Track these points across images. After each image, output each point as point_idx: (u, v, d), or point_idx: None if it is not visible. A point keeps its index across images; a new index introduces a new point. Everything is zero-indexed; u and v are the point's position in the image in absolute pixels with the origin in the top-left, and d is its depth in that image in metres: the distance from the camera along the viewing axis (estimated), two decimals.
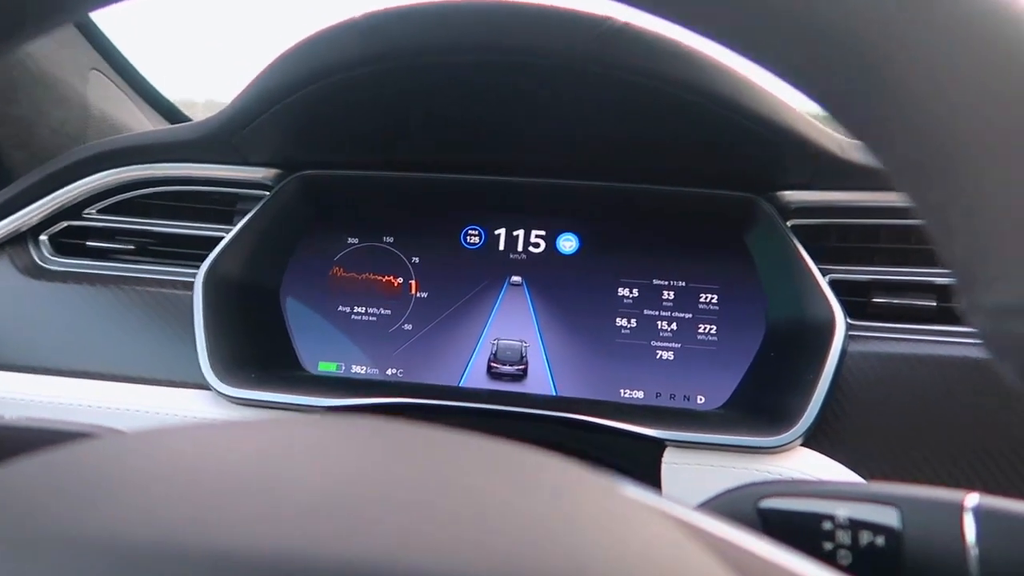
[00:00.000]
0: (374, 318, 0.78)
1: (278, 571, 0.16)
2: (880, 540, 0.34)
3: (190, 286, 0.72)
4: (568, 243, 0.77)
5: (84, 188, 0.76)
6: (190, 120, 1.07)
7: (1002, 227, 0.20)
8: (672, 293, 0.74)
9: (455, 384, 0.75)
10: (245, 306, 0.75)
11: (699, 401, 0.72)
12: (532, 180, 0.74)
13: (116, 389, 0.70)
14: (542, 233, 0.77)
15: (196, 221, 0.77)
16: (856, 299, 0.66)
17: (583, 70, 0.57)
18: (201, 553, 0.16)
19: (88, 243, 0.77)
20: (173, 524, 0.17)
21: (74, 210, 0.78)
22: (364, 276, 0.79)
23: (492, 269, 0.77)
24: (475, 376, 0.75)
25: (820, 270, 0.66)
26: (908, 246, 0.67)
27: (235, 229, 0.74)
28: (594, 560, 0.18)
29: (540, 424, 0.65)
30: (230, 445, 0.23)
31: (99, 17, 0.91)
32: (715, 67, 0.58)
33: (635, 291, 0.75)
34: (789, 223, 0.69)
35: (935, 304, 0.65)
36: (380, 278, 0.78)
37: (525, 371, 0.74)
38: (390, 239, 0.79)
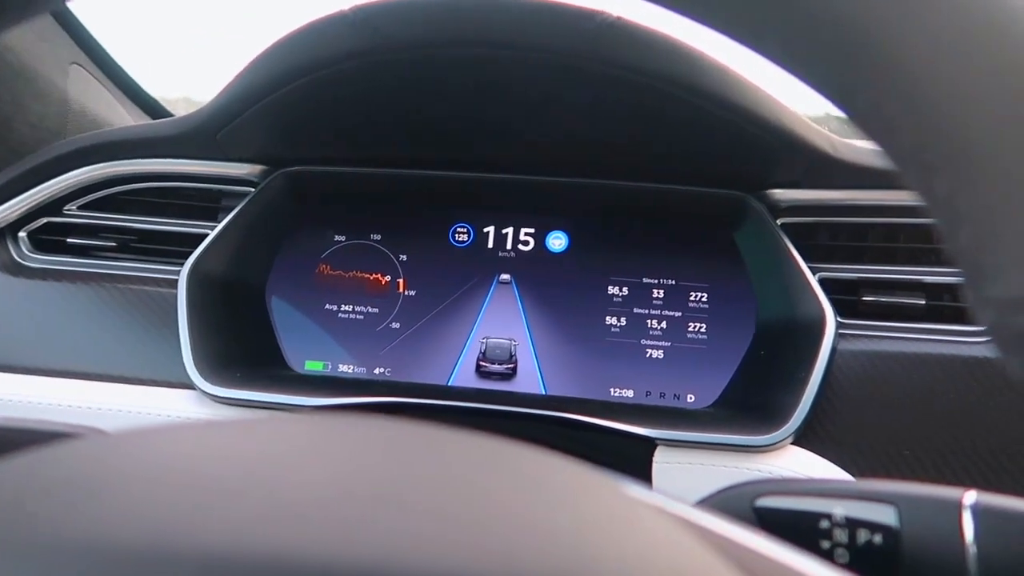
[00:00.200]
0: (361, 316, 0.77)
1: (268, 573, 0.15)
2: (878, 538, 0.34)
3: (174, 284, 0.71)
4: (557, 241, 0.76)
5: (64, 184, 0.75)
6: (172, 115, 1.06)
7: (1010, 218, 0.20)
8: (662, 292, 0.74)
9: (444, 383, 0.74)
10: (230, 304, 0.74)
11: (689, 400, 0.71)
12: (521, 177, 0.73)
13: (98, 389, 0.69)
14: (531, 231, 0.77)
15: (179, 218, 0.76)
16: (846, 297, 0.66)
17: (574, 66, 0.57)
18: (188, 555, 0.16)
19: (69, 240, 0.76)
20: (158, 526, 0.17)
21: (54, 206, 0.76)
22: (351, 274, 0.78)
23: (481, 267, 0.76)
24: (464, 375, 0.74)
25: (810, 268, 0.66)
26: (897, 245, 0.67)
27: (219, 226, 0.73)
28: (595, 559, 0.18)
29: (530, 423, 0.65)
30: (217, 445, 0.22)
31: (79, 10, 0.89)
32: (707, 64, 0.58)
33: (625, 289, 0.74)
34: (779, 221, 0.68)
35: (924, 302, 0.65)
36: (367, 276, 0.78)
37: (514, 370, 0.73)
38: (377, 237, 0.78)
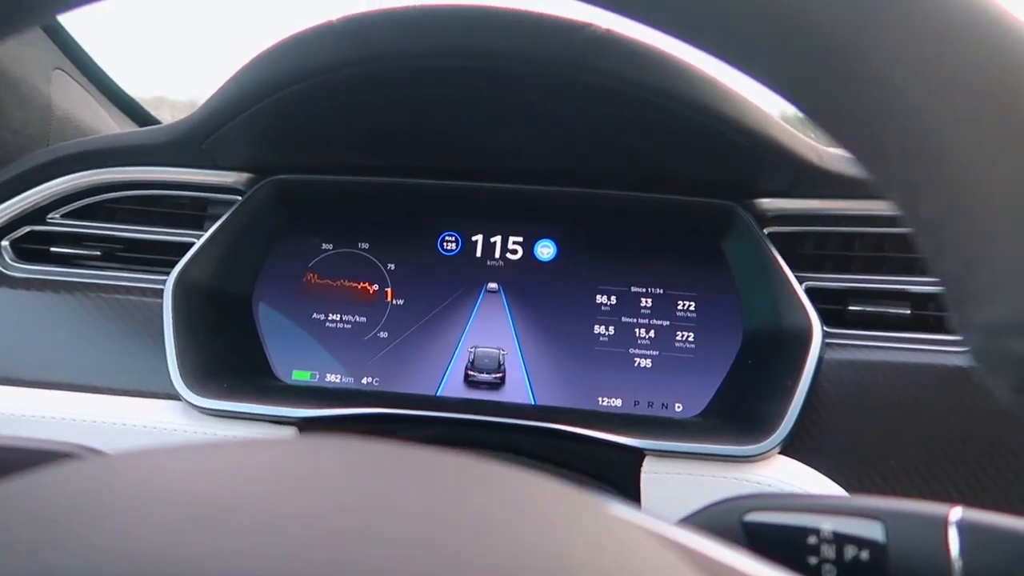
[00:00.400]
0: (349, 326, 0.76)
1: None
2: (865, 554, 0.34)
3: (159, 293, 0.70)
4: (546, 250, 0.76)
5: (48, 192, 0.74)
6: (158, 122, 1.05)
7: (995, 243, 0.20)
8: (650, 300, 0.74)
9: (432, 393, 0.74)
10: (216, 314, 0.73)
11: (677, 409, 0.71)
12: (510, 186, 0.73)
13: (83, 400, 0.68)
14: (519, 240, 0.77)
15: (166, 226, 0.75)
16: (833, 307, 0.67)
17: (563, 76, 0.57)
18: None
19: (52, 249, 0.75)
20: (146, 553, 0.17)
21: (37, 214, 0.75)
22: (339, 283, 0.77)
23: (469, 276, 0.76)
24: (452, 384, 0.74)
25: (797, 278, 0.66)
26: (884, 254, 0.68)
27: (206, 235, 0.72)
28: None
29: (519, 434, 0.65)
30: (204, 469, 0.22)
31: (63, 16, 0.88)
32: (695, 75, 0.58)
33: (613, 298, 0.74)
34: (766, 231, 0.69)
35: (910, 312, 0.66)
36: (355, 285, 0.77)
37: (503, 379, 0.73)
38: (365, 245, 0.78)
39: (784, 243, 0.68)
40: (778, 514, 0.37)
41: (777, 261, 0.67)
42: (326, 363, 0.76)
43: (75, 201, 0.75)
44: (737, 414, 0.67)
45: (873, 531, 0.35)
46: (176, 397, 0.66)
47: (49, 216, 0.76)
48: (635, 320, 0.74)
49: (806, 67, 0.22)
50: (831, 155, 0.66)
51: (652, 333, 0.73)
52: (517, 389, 0.73)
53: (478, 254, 0.77)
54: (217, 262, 0.73)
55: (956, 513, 0.33)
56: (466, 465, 0.23)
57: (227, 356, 0.72)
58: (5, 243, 0.75)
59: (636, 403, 0.72)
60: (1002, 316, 0.20)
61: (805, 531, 0.36)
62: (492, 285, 0.76)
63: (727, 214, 0.70)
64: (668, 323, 0.73)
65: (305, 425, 0.65)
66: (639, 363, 0.73)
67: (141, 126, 1.04)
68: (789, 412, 0.61)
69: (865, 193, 0.65)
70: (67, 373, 0.69)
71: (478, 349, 0.74)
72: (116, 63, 1.00)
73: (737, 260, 0.72)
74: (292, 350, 0.76)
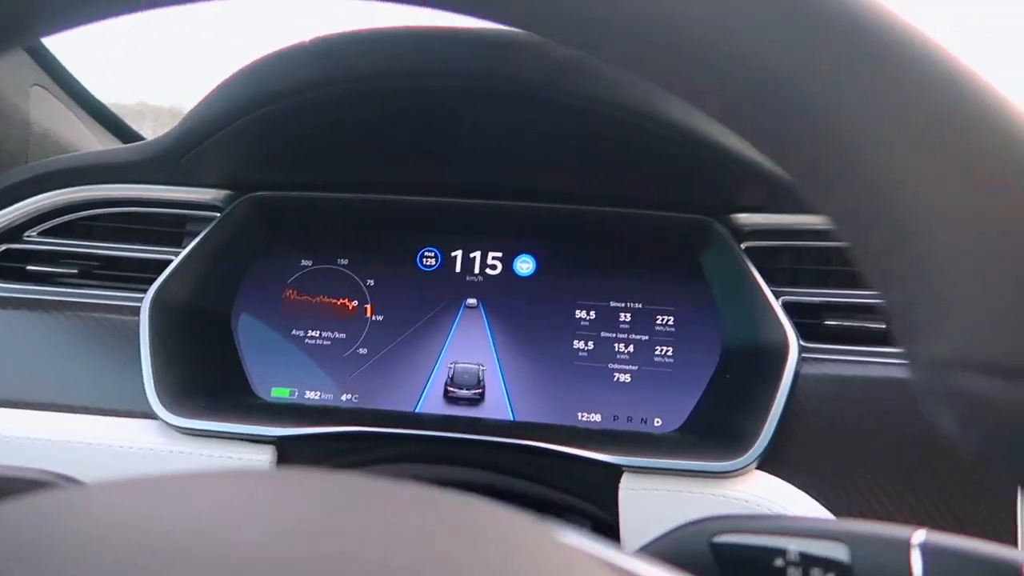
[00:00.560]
0: (328, 342, 0.76)
1: None
2: None
3: (136, 311, 0.70)
4: (525, 265, 0.76)
5: (25, 210, 0.74)
6: (140, 136, 1.05)
7: (941, 280, 0.20)
8: (629, 315, 0.74)
9: (411, 409, 0.74)
10: (194, 331, 0.73)
11: (656, 424, 0.72)
12: (488, 202, 0.73)
13: (59, 420, 0.68)
14: (499, 255, 0.77)
15: (143, 244, 0.75)
16: (809, 321, 0.67)
17: (535, 96, 0.57)
18: None
19: (29, 267, 0.75)
20: None
21: (14, 233, 0.75)
22: (318, 299, 0.77)
23: (448, 291, 0.76)
24: (432, 401, 0.74)
25: (773, 292, 0.67)
26: (859, 268, 0.68)
27: (184, 252, 0.72)
28: None
29: (497, 451, 0.65)
30: (161, 504, 0.22)
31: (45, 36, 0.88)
32: (668, 94, 0.59)
33: (592, 313, 0.75)
34: (743, 245, 0.69)
35: (885, 326, 0.66)
36: (334, 301, 0.77)
37: (482, 395, 0.73)
38: (344, 261, 0.78)
39: (761, 258, 0.69)
40: (746, 536, 0.38)
41: (754, 276, 0.67)
42: (305, 380, 0.75)
43: (53, 219, 0.75)
44: (715, 429, 0.67)
45: (839, 553, 0.35)
46: (153, 416, 0.66)
47: (26, 234, 0.75)
48: (614, 335, 0.74)
49: (750, 101, 0.22)
50: None
51: (631, 348, 0.74)
52: (496, 405, 0.73)
53: (457, 269, 0.77)
54: (195, 279, 0.73)
55: (919, 536, 0.34)
56: (417, 497, 0.23)
57: (205, 374, 0.72)
58: None
59: (615, 418, 0.72)
60: (945, 352, 0.20)
61: (772, 552, 0.37)
62: (471, 301, 0.76)
63: (704, 229, 0.71)
64: (647, 338, 0.74)
65: (283, 444, 0.65)
66: (618, 378, 0.73)
67: (124, 140, 1.04)
68: (765, 427, 0.61)
69: None
70: (43, 392, 0.69)
71: (457, 365, 0.74)
72: (97, 70, 1.00)
73: (715, 275, 0.72)
74: (271, 367, 0.76)
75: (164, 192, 0.74)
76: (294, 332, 0.76)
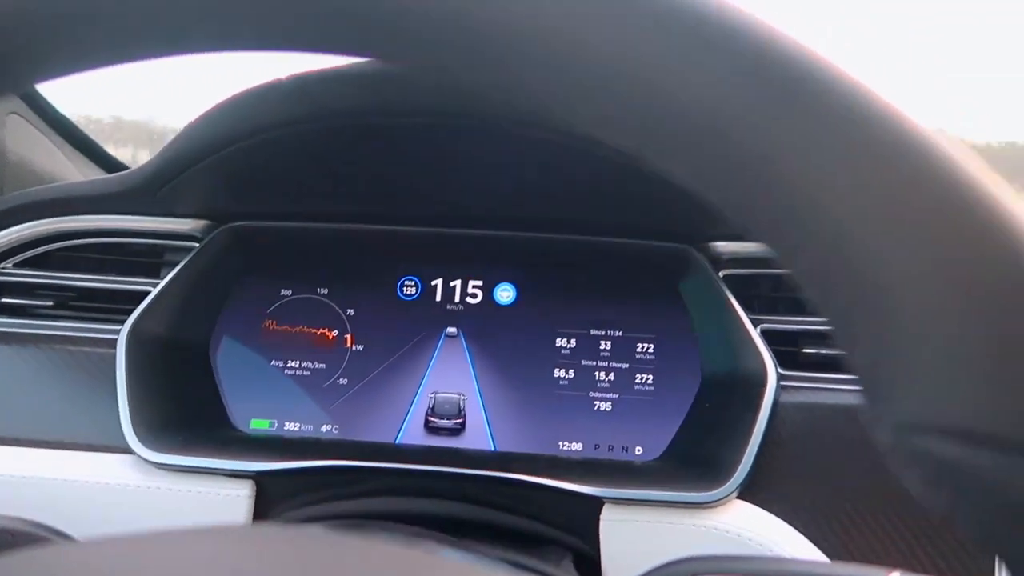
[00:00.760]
0: (308, 372, 0.76)
1: None
2: None
3: (113, 343, 0.69)
4: (505, 293, 0.76)
5: (1, 243, 0.73)
6: (119, 163, 1.05)
7: (905, 340, 0.20)
8: (609, 343, 0.74)
9: (392, 440, 0.73)
10: (172, 363, 0.72)
11: (637, 452, 0.72)
12: (468, 231, 0.73)
13: (32, 455, 0.67)
14: (479, 283, 0.77)
15: (121, 274, 0.74)
16: (788, 349, 0.67)
17: (511, 131, 0.57)
18: None
19: (3, 300, 0.74)
20: None
21: None
22: (298, 329, 0.77)
23: (429, 320, 0.76)
24: (412, 431, 0.73)
25: (752, 320, 0.67)
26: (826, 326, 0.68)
27: (161, 283, 0.72)
28: None
29: (478, 482, 0.64)
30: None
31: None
32: None
33: (573, 341, 0.75)
34: (721, 273, 0.69)
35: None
36: (314, 331, 0.77)
37: (463, 425, 0.73)
38: (324, 290, 0.77)
39: (740, 285, 0.69)
40: None
41: (732, 304, 0.68)
42: (285, 411, 0.75)
43: (28, 250, 0.74)
44: (696, 458, 0.67)
45: None
46: (129, 451, 0.65)
47: (1, 266, 0.74)
48: (595, 363, 0.74)
49: (708, 159, 0.22)
50: None
51: (612, 376, 0.74)
52: (477, 435, 0.73)
53: (438, 298, 0.77)
54: (173, 311, 0.72)
55: None
56: (394, 557, 0.23)
57: (183, 406, 0.71)
58: None
59: (597, 446, 0.72)
60: (911, 415, 0.20)
61: None
62: (451, 329, 0.76)
63: (683, 257, 0.71)
64: (627, 366, 0.74)
65: (262, 478, 0.65)
66: (599, 406, 0.73)
67: (103, 167, 1.03)
68: (745, 457, 0.61)
69: None
70: (16, 427, 0.68)
71: (438, 395, 0.74)
72: (71, 85, 0.99)
73: (694, 303, 0.73)
74: (250, 398, 0.75)
75: (141, 223, 0.74)
76: (274, 363, 0.76)
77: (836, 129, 0.20)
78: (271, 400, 0.75)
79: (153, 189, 0.69)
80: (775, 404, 0.63)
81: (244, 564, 0.21)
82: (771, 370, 0.64)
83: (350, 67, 0.55)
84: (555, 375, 0.74)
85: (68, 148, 0.97)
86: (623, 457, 0.71)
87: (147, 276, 0.74)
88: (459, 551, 0.52)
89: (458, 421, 0.73)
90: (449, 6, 0.20)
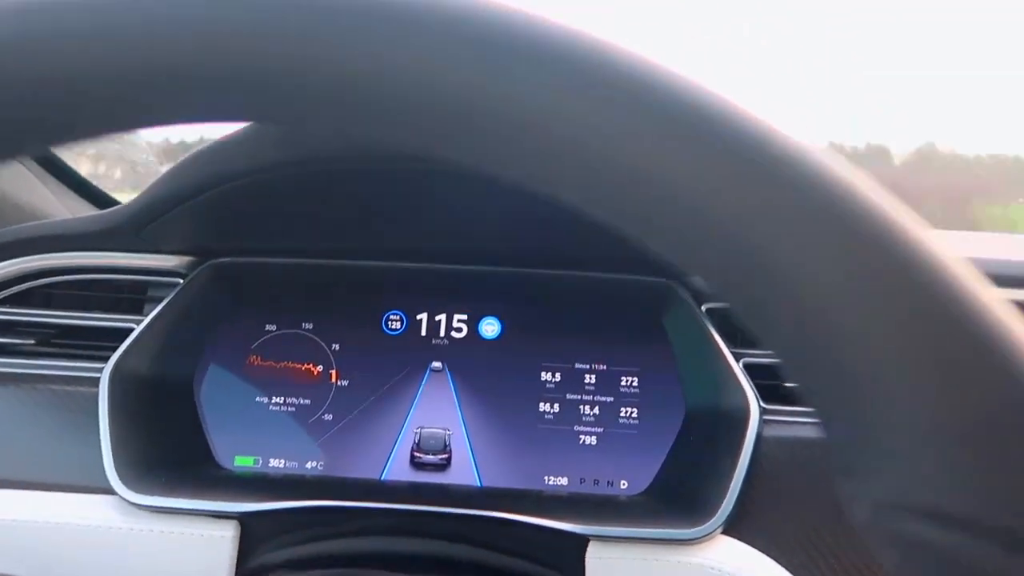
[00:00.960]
0: (293, 408, 0.76)
1: None
2: None
3: (95, 382, 0.69)
4: (490, 327, 0.77)
5: None
6: (106, 196, 1.04)
7: (880, 422, 0.20)
8: (594, 376, 0.75)
9: (377, 476, 0.73)
10: (156, 401, 0.72)
11: (622, 486, 0.72)
12: (452, 267, 0.74)
13: (13, 497, 0.66)
14: (464, 317, 0.77)
15: (104, 311, 0.74)
16: (771, 383, 0.68)
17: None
18: None
19: None
20: None
21: None
22: (283, 364, 0.77)
23: (414, 355, 0.76)
24: (398, 467, 0.73)
25: (734, 354, 0.67)
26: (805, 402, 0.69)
27: (145, 320, 0.71)
28: None
29: (464, 520, 0.64)
30: None
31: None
32: None
33: (558, 375, 0.75)
34: (704, 307, 0.70)
35: None
36: (299, 366, 0.77)
37: (449, 460, 0.73)
38: (309, 325, 0.77)
39: (722, 319, 0.70)
40: None
41: (714, 338, 0.68)
42: (270, 448, 0.75)
43: (9, 287, 0.74)
44: (680, 493, 0.67)
45: None
46: (112, 492, 0.65)
47: None
48: (580, 397, 0.74)
49: (687, 234, 0.22)
50: None
51: (596, 410, 0.74)
52: (463, 470, 0.73)
53: (423, 333, 0.77)
54: (157, 348, 0.72)
55: None
56: None
57: (167, 445, 0.71)
58: None
59: (582, 481, 0.72)
60: (885, 494, 0.21)
61: None
62: (436, 364, 0.76)
63: (666, 291, 0.72)
64: (612, 399, 0.74)
65: (246, 519, 0.64)
66: (584, 440, 0.73)
67: (90, 201, 1.03)
68: (729, 492, 0.62)
69: None
70: None
71: (423, 430, 0.74)
72: None
73: (677, 336, 0.73)
74: (235, 435, 0.75)
75: (125, 259, 0.73)
76: (258, 399, 0.76)
77: (819, 226, 0.20)
78: (256, 437, 0.75)
79: (138, 227, 0.69)
80: (758, 438, 0.64)
81: None
82: (753, 404, 0.64)
83: None
84: (540, 409, 0.74)
85: (53, 181, 0.97)
86: (608, 491, 0.72)
87: (130, 313, 0.74)
88: None
89: (444, 456, 0.73)
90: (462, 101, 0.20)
